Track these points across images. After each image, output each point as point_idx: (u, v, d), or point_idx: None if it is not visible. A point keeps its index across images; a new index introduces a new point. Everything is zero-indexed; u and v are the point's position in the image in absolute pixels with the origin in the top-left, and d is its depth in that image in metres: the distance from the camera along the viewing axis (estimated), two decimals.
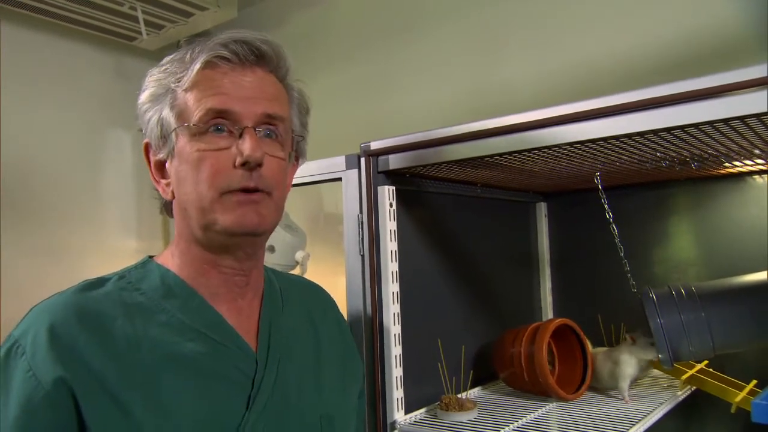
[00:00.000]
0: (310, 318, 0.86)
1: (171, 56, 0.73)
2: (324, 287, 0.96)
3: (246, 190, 0.69)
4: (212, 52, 0.70)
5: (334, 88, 1.98)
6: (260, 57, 0.73)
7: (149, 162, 0.76)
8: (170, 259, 0.76)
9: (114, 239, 2.14)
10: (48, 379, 0.62)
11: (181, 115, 0.70)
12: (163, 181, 0.75)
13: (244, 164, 0.68)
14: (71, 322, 0.65)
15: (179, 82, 0.70)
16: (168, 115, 0.71)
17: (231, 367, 0.71)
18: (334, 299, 0.95)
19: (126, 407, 0.63)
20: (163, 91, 0.72)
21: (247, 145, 0.68)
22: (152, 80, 0.73)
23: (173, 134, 0.71)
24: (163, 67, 0.73)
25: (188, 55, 0.71)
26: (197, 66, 0.69)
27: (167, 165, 0.74)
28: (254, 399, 0.71)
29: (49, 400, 0.61)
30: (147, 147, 0.76)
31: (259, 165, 0.69)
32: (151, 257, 0.78)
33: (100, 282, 0.72)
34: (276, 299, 0.82)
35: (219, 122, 0.69)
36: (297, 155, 0.81)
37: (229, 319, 0.74)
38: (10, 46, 1.89)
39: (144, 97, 0.74)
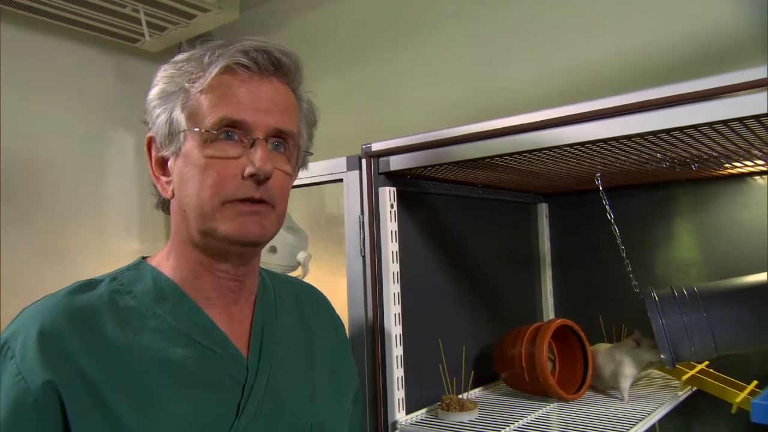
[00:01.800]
0: (304, 322, 0.85)
1: (187, 54, 0.72)
2: (325, 288, 0.96)
3: (251, 200, 0.68)
4: (232, 59, 0.69)
5: (336, 90, 1.99)
6: (279, 68, 0.72)
7: (150, 157, 0.74)
8: (164, 260, 0.75)
9: (116, 240, 2.15)
10: (37, 383, 0.61)
11: (192, 117, 0.69)
12: (164, 179, 0.74)
13: (252, 175, 0.68)
14: (61, 326, 0.64)
15: (194, 83, 0.69)
16: (179, 114, 0.70)
17: (221, 373, 0.71)
18: (330, 300, 0.95)
19: (114, 414, 0.62)
20: (176, 89, 0.71)
21: (258, 157, 0.68)
22: (165, 76, 0.72)
23: (182, 135, 0.70)
24: (178, 65, 0.72)
25: (207, 58, 0.70)
26: (216, 70, 0.68)
27: (170, 163, 0.73)
28: (244, 406, 0.70)
29: (37, 406, 0.61)
30: (150, 141, 0.74)
31: (268, 178, 0.69)
32: (144, 258, 0.77)
33: (92, 284, 0.71)
34: (269, 304, 0.81)
35: (230, 131, 0.69)
36: (299, 167, 0.80)
37: (221, 325, 0.73)
38: (12, 47, 1.89)
39: (154, 92, 0.73)
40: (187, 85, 0.70)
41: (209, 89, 0.69)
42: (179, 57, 0.73)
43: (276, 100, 0.71)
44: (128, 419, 0.63)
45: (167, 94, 0.71)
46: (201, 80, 0.69)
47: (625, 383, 1.16)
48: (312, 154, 0.81)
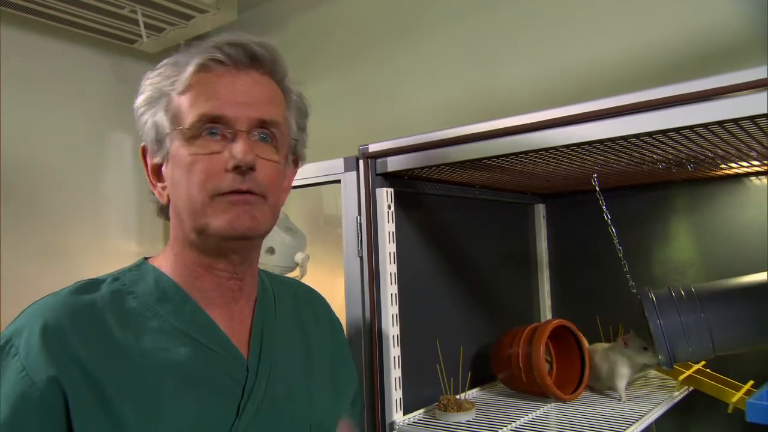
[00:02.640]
0: (303, 323, 0.85)
1: (167, 60, 0.73)
2: (323, 289, 0.96)
3: (238, 192, 0.69)
4: (206, 55, 0.69)
5: (334, 90, 1.99)
6: (255, 59, 0.72)
7: (146, 166, 0.75)
8: (165, 262, 0.75)
9: (114, 241, 2.15)
10: (42, 378, 0.61)
11: (175, 119, 0.70)
12: (160, 185, 0.74)
13: (235, 168, 0.68)
14: (64, 325, 0.64)
15: (173, 85, 0.70)
16: (162, 119, 0.71)
17: (222, 374, 0.71)
18: (328, 301, 0.95)
19: (116, 412, 0.63)
20: (158, 95, 0.72)
21: (238, 149, 0.68)
22: (148, 84, 0.73)
23: (167, 138, 0.71)
24: (159, 71, 0.73)
25: (182, 59, 0.71)
26: (191, 69, 0.69)
27: (163, 169, 0.73)
28: (244, 407, 0.70)
29: (42, 401, 0.61)
30: (144, 150, 0.75)
31: (252, 168, 0.69)
32: (146, 259, 0.78)
33: (95, 284, 0.71)
34: (269, 304, 0.82)
35: (212, 126, 0.69)
36: (295, 158, 0.80)
37: (222, 325, 0.74)
38: (11, 48, 1.89)
39: (140, 101, 0.74)
40: (167, 89, 0.71)
41: (187, 89, 0.69)
42: (161, 63, 0.74)
43: (254, 91, 0.71)
44: (130, 418, 0.63)
45: (151, 100, 0.72)
46: (178, 82, 0.70)
47: (621, 383, 1.17)
48: (299, 141, 0.80)
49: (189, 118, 0.69)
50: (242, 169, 0.68)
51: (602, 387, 1.24)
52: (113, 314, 0.68)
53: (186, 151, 0.69)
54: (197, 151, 0.69)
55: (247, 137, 0.69)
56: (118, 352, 0.66)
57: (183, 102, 0.70)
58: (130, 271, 0.75)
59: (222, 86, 0.70)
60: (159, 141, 0.72)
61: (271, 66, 0.74)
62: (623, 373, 1.16)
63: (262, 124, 0.71)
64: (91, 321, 0.66)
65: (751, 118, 0.76)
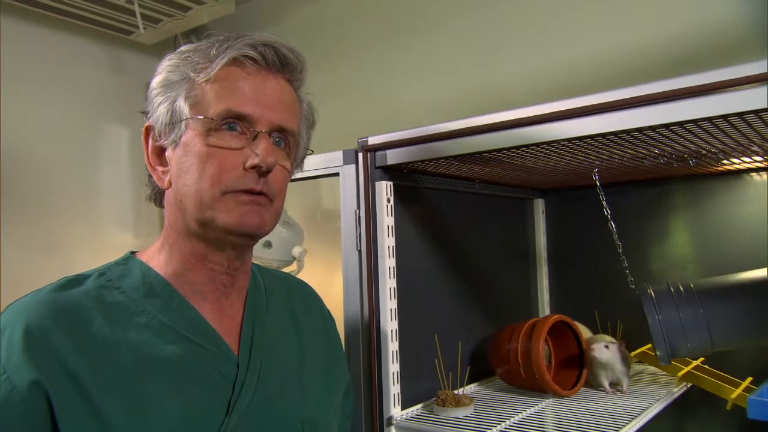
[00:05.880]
0: (295, 318, 0.85)
1: (193, 45, 0.72)
2: (321, 283, 0.95)
3: (251, 192, 0.68)
4: (241, 51, 0.69)
5: (332, 83, 1.98)
6: (285, 65, 0.73)
7: (147, 146, 0.74)
8: (156, 254, 0.74)
9: (110, 235, 2.13)
10: (23, 382, 0.60)
11: (195, 107, 0.69)
12: (160, 168, 0.73)
13: (254, 167, 0.68)
14: (48, 323, 0.63)
15: (200, 73, 0.69)
16: (182, 103, 0.70)
17: (212, 370, 0.70)
18: (326, 295, 0.94)
19: (102, 412, 0.61)
20: (180, 78, 0.70)
21: (261, 149, 0.68)
22: (170, 65, 0.72)
23: (183, 123, 0.69)
24: (184, 55, 0.72)
25: (214, 49, 0.70)
26: (223, 61, 0.69)
27: (167, 153, 0.72)
28: (235, 403, 0.69)
29: (24, 405, 0.60)
30: (148, 131, 0.73)
31: (269, 171, 0.69)
32: (133, 253, 0.76)
33: (79, 279, 0.70)
34: (260, 299, 0.81)
35: (233, 122, 0.69)
36: (297, 166, 0.81)
37: (212, 320, 0.73)
38: (7, 39, 1.87)
39: (157, 80, 0.72)
40: (192, 74, 0.70)
41: (215, 80, 0.69)
42: (185, 47, 0.73)
43: (280, 97, 0.72)
44: (117, 417, 0.62)
45: (171, 83, 0.71)
46: (207, 70, 0.69)
47: (605, 383, 1.21)
48: (312, 152, 0.82)
49: (213, 109, 0.68)
50: (261, 170, 0.68)
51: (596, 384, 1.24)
52: (99, 311, 0.67)
53: (202, 140, 0.68)
54: (215, 142, 0.68)
55: (268, 138, 0.70)
56: (104, 350, 0.64)
57: (208, 91, 0.69)
58: (117, 265, 0.74)
59: (251, 85, 0.70)
60: (172, 124, 0.70)
61: (296, 74, 0.75)
62: (603, 375, 1.21)
63: (281, 129, 0.72)
64: (75, 319, 0.65)
65: (756, 112, 0.75)
